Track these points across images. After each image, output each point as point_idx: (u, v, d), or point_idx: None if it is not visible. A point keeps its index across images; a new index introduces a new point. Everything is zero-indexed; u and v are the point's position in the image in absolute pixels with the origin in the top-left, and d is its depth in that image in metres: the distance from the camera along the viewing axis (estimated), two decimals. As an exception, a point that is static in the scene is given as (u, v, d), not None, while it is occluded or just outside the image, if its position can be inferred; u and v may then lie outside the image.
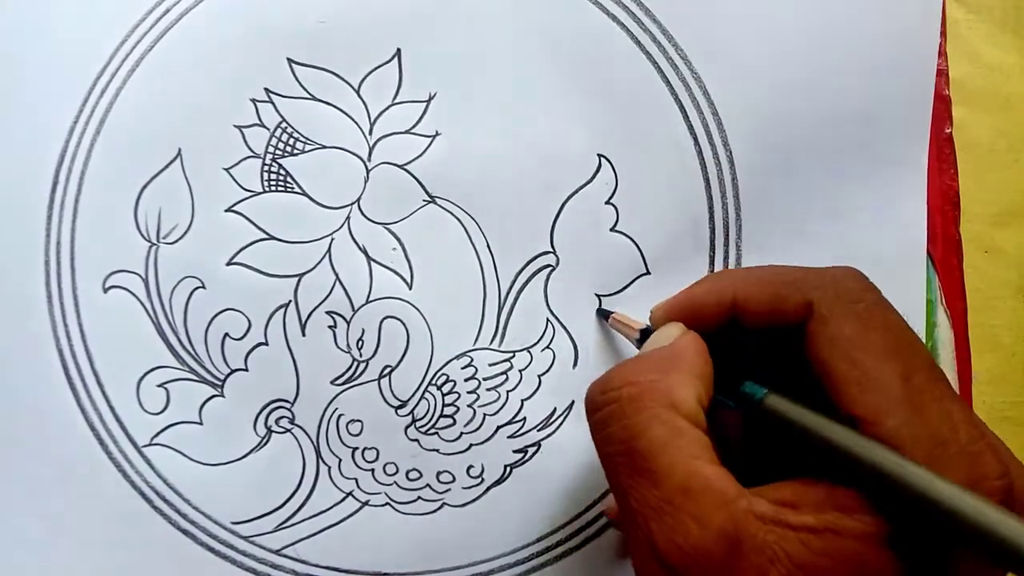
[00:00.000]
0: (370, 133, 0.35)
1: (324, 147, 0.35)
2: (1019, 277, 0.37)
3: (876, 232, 0.35)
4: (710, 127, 0.35)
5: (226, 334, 0.35)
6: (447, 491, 0.35)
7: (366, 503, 0.35)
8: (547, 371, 0.35)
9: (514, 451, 0.35)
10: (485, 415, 0.35)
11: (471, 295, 0.35)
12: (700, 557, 0.22)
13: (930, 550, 0.22)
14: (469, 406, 0.35)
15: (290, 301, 0.35)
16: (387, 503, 0.35)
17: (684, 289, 0.30)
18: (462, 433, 0.35)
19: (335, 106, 0.35)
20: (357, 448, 0.35)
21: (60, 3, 0.35)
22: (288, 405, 0.35)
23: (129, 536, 0.34)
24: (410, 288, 0.35)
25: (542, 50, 0.35)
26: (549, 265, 0.35)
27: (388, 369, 0.35)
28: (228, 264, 0.35)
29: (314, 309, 0.35)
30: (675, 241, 0.35)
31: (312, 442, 0.35)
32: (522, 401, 0.35)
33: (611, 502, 0.33)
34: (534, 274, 0.35)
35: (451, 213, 0.35)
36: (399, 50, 0.35)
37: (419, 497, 0.35)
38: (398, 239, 0.35)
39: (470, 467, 0.35)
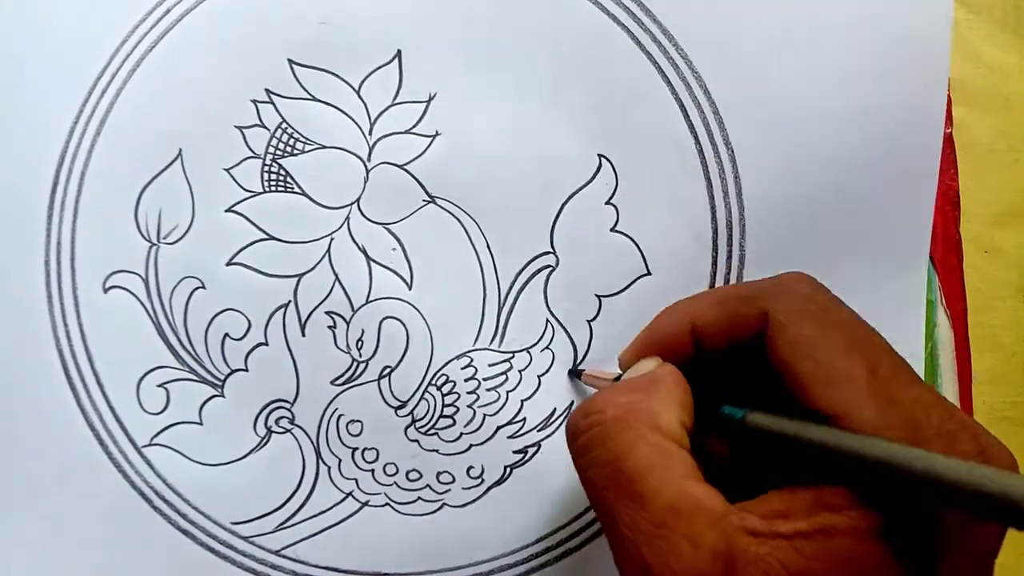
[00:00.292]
0: (370, 133, 0.35)
1: (324, 147, 0.35)
2: (1019, 277, 0.37)
3: (878, 232, 0.35)
4: (711, 126, 0.35)
5: (226, 334, 0.35)
6: (447, 491, 0.35)
7: (366, 503, 0.35)
8: (547, 371, 0.35)
9: (514, 452, 0.35)
10: (485, 415, 0.35)
11: (471, 295, 0.35)
12: None
13: (922, 538, 0.22)
14: (469, 406, 0.35)
15: (290, 301, 0.35)
16: (387, 503, 0.35)
17: (643, 329, 0.30)
18: (462, 433, 0.35)
19: (335, 106, 0.35)
20: (357, 448, 0.35)
21: (60, 3, 0.35)
22: (288, 405, 0.35)
23: (129, 536, 0.34)
24: (410, 288, 0.35)
25: (542, 50, 0.35)
26: (549, 265, 0.35)
27: (388, 369, 0.35)
28: (228, 264, 0.35)
29: (314, 309, 0.35)
30: (676, 241, 0.35)
31: (312, 442, 0.35)
32: (522, 401, 0.35)
33: None
34: (534, 274, 0.35)
35: (451, 213, 0.35)
36: (399, 50, 0.35)
37: (419, 498, 0.35)
38: (398, 239, 0.35)
39: (470, 467, 0.35)
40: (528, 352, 0.35)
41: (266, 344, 0.35)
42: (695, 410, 0.26)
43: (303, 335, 0.35)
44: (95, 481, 0.34)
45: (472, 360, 0.35)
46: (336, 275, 0.35)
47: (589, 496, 0.25)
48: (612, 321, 0.35)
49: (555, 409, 0.35)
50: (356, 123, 0.35)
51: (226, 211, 0.35)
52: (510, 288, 0.35)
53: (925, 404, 0.23)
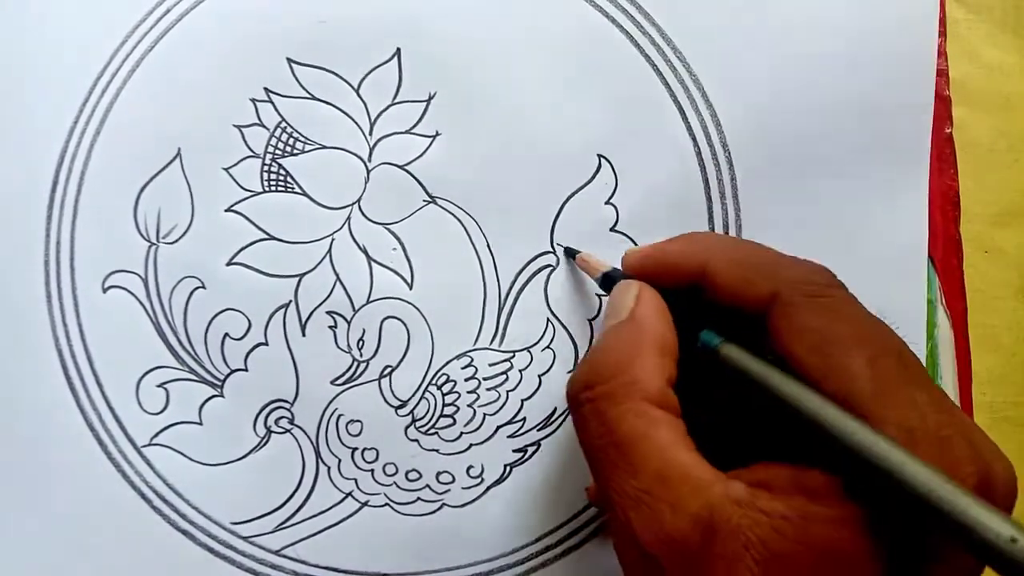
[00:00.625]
0: (370, 133, 0.35)
1: (324, 147, 0.35)
2: (1019, 277, 0.37)
3: (876, 232, 0.35)
4: (708, 128, 0.35)
5: (226, 334, 0.35)
6: (447, 491, 0.35)
7: (366, 503, 0.35)
8: (547, 371, 0.35)
9: (514, 451, 0.35)
10: (485, 415, 0.35)
11: (471, 295, 0.35)
12: (676, 543, 0.22)
13: (908, 529, 0.22)
14: (469, 406, 0.35)
15: (290, 301, 0.35)
16: (386, 503, 0.35)
17: (659, 243, 0.30)
18: (462, 433, 0.35)
19: (335, 106, 0.35)
20: (357, 448, 0.35)
21: (60, 3, 0.35)
22: (288, 405, 0.35)
23: (128, 536, 0.34)
24: (410, 288, 0.35)
25: (542, 50, 0.35)
26: (549, 265, 0.35)
27: (388, 369, 0.35)
28: (228, 264, 0.35)
29: (314, 309, 0.35)
30: (675, 241, 0.35)
31: (312, 442, 0.35)
32: (522, 401, 0.35)
33: (593, 483, 0.33)
34: (534, 274, 0.35)
35: (451, 213, 0.35)
36: (399, 50, 0.35)
37: (419, 498, 0.35)
38: (398, 239, 0.35)
39: (470, 467, 0.35)
40: (529, 352, 0.35)
41: (266, 344, 0.35)
42: (680, 336, 0.26)
43: (303, 335, 0.35)
44: (94, 481, 0.34)
45: (472, 360, 0.35)
46: (337, 275, 0.35)
47: (588, 464, 0.26)
48: (612, 321, 0.35)
49: (556, 408, 0.35)
50: (356, 123, 0.35)
51: (226, 211, 0.35)
52: (510, 288, 0.35)
53: (922, 407, 0.23)
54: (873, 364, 0.23)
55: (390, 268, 0.35)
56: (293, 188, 0.35)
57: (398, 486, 0.35)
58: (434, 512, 0.35)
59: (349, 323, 0.35)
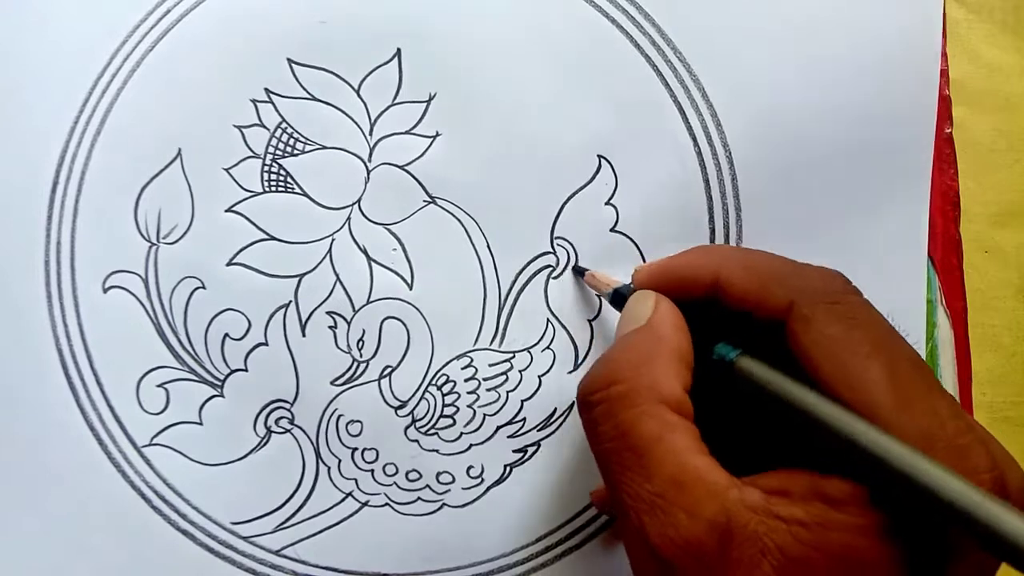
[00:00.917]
0: (370, 133, 0.35)
1: (324, 147, 0.35)
2: (1019, 277, 0.37)
3: (876, 232, 0.35)
4: (709, 128, 0.35)
5: (226, 334, 0.35)
6: (447, 492, 0.35)
7: (366, 504, 0.35)
8: (547, 372, 0.35)
9: (514, 451, 0.35)
10: (485, 415, 0.35)
11: (471, 295, 0.35)
12: (692, 549, 0.22)
13: (930, 539, 0.22)
14: (469, 406, 0.35)
15: (290, 301, 0.35)
16: (387, 504, 0.35)
17: (670, 257, 0.30)
18: (462, 433, 0.35)
19: (335, 106, 0.35)
20: (357, 448, 0.35)
21: (60, 3, 0.35)
22: (288, 405, 0.35)
23: (128, 537, 0.34)
24: (410, 288, 0.35)
25: (542, 50, 0.35)
26: (549, 265, 0.35)
27: (388, 369, 0.35)
28: (228, 264, 0.35)
29: (314, 309, 0.35)
30: (675, 242, 0.35)
31: (312, 442, 0.35)
32: (522, 401, 0.35)
33: (598, 487, 0.33)
34: (534, 274, 0.35)
35: (451, 213, 0.35)
36: (399, 50, 0.35)
37: (419, 498, 0.35)
38: (398, 239, 0.35)
39: (470, 467, 0.35)
40: (529, 352, 0.35)
41: (266, 344, 0.35)
42: (694, 348, 0.26)
43: (303, 335, 0.35)
44: (95, 481, 0.34)
45: (472, 360, 0.35)
46: (337, 275, 0.35)
47: (599, 466, 0.25)
48: (613, 321, 0.35)
49: (555, 409, 0.35)
50: (356, 123, 0.35)
51: (226, 211, 0.35)
52: (510, 288, 0.35)
53: (941, 415, 0.23)
54: (891, 372, 0.23)
55: (390, 268, 0.35)
56: (293, 188, 0.35)
57: (398, 486, 0.35)
58: (434, 512, 0.35)
59: (349, 323, 0.35)
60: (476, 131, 0.35)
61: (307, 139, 0.35)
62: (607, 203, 0.35)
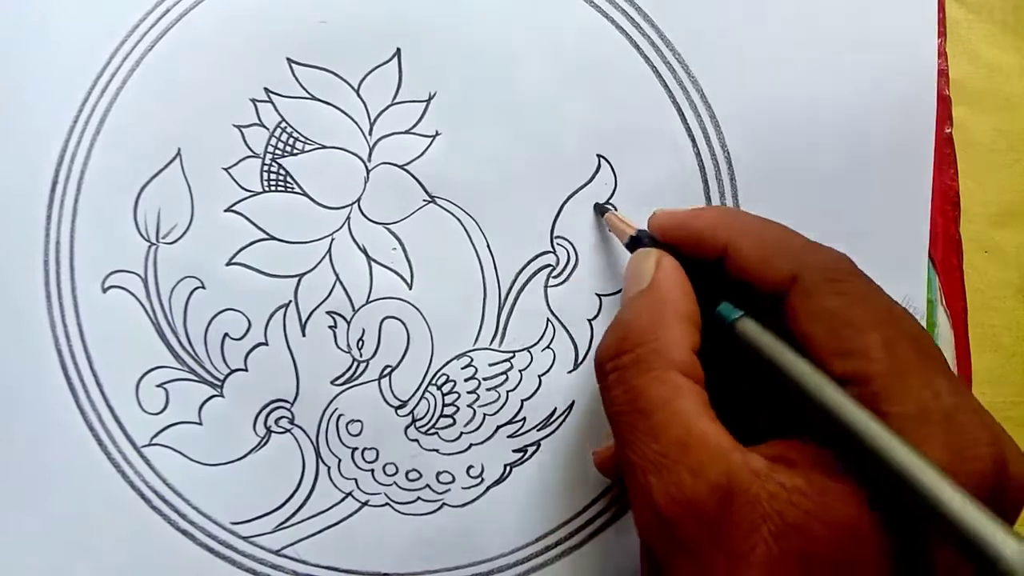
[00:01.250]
0: (370, 133, 0.35)
1: (324, 147, 0.35)
2: (1019, 277, 0.37)
3: (876, 232, 0.35)
4: (707, 128, 0.35)
5: (226, 334, 0.35)
6: (447, 491, 0.35)
7: (366, 503, 0.35)
8: (547, 371, 0.35)
9: (514, 451, 0.35)
10: (485, 415, 0.35)
11: (471, 295, 0.35)
12: (693, 508, 0.22)
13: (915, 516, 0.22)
14: (469, 406, 0.35)
15: (290, 301, 0.35)
16: (387, 503, 0.35)
17: (689, 212, 0.30)
18: (462, 433, 0.35)
19: (335, 106, 0.35)
20: (357, 448, 0.35)
21: (60, 3, 0.35)
22: (288, 405, 0.35)
23: (128, 537, 0.34)
24: (410, 288, 0.35)
25: (541, 50, 0.35)
26: (549, 265, 0.35)
27: (388, 369, 0.35)
28: (228, 264, 0.35)
29: (314, 309, 0.35)
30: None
31: (312, 442, 0.35)
32: (522, 401, 0.35)
33: (601, 449, 0.33)
34: (534, 274, 0.35)
35: (451, 213, 0.35)
36: (399, 50, 0.35)
37: (419, 497, 0.35)
38: (398, 239, 0.35)
39: (470, 467, 0.35)
40: (529, 352, 0.35)
41: (266, 344, 0.35)
42: (700, 307, 0.27)
43: (303, 335, 0.35)
44: (94, 481, 0.34)
45: (472, 360, 0.35)
46: (337, 275, 0.35)
47: (612, 429, 0.26)
48: (612, 321, 0.35)
49: (555, 408, 0.35)
50: (356, 123, 0.35)
51: (225, 211, 0.35)
52: (510, 288, 0.35)
53: (937, 388, 0.23)
54: (889, 345, 0.23)
55: (390, 268, 0.35)
56: (293, 188, 0.35)
57: (398, 486, 0.35)
58: (434, 512, 0.35)
59: (349, 323, 0.35)
60: (476, 131, 0.35)
61: (307, 139, 0.35)
62: (607, 203, 0.35)
